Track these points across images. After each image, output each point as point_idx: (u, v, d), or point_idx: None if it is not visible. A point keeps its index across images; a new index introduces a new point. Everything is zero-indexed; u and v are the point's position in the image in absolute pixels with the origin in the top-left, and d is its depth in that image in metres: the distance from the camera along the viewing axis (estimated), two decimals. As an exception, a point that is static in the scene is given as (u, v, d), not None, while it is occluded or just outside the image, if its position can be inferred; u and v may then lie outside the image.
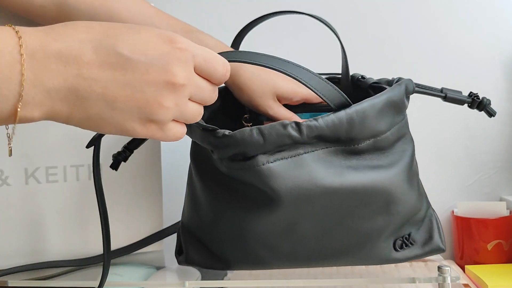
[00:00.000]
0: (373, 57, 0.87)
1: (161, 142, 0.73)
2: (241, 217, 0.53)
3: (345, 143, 0.53)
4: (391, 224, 0.55)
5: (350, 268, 0.75)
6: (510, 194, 0.87)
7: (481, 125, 0.87)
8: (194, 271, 0.69)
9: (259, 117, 0.70)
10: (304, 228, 0.53)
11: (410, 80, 0.58)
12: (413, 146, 0.58)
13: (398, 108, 0.55)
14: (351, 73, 0.69)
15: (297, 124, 0.50)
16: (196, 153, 0.59)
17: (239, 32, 0.69)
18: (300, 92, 0.67)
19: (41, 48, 0.33)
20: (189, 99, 0.39)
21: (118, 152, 0.61)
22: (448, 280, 0.54)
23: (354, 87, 0.68)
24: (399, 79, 0.60)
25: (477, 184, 0.87)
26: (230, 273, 0.79)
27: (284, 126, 0.49)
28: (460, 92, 0.62)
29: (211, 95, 0.41)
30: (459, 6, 0.87)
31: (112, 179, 0.67)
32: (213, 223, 0.57)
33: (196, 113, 0.40)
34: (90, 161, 0.67)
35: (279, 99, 0.66)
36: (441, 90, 0.61)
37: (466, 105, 0.61)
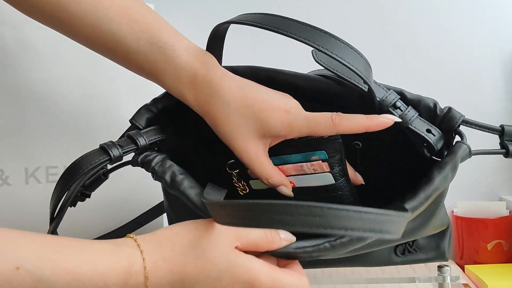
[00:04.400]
0: (373, 57, 0.87)
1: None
2: None
3: None
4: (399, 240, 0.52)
5: (350, 268, 0.75)
6: (510, 194, 0.87)
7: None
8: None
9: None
10: None
11: (466, 148, 0.49)
12: (447, 184, 0.49)
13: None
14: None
15: None
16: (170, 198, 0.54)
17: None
18: (300, 126, 0.48)
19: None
20: None
21: (75, 195, 0.52)
22: (448, 280, 0.55)
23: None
24: (448, 110, 0.50)
25: (476, 184, 0.87)
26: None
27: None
28: None
29: None
30: (459, 5, 0.87)
31: (112, 178, 0.67)
32: None
33: None
34: (90, 161, 0.67)
35: (272, 138, 0.49)
36: (502, 145, 0.51)
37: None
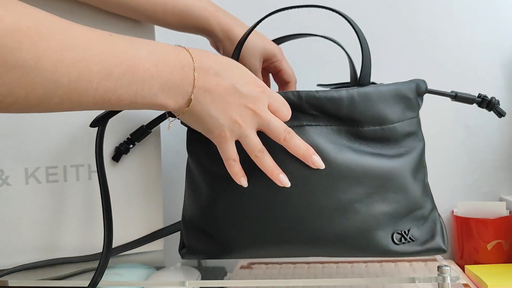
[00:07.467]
0: (373, 57, 0.87)
1: (161, 142, 0.73)
2: (239, 192, 0.56)
3: (348, 123, 0.56)
4: (389, 213, 0.55)
5: (350, 268, 0.75)
6: (510, 194, 0.87)
7: (481, 124, 0.87)
8: (194, 271, 0.69)
9: None
10: (300, 201, 0.55)
11: (423, 80, 0.60)
12: (423, 145, 0.59)
13: (408, 102, 0.58)
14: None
15: (297, 91, 0.55)
16: (192, 139, 0.61)
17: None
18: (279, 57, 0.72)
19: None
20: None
21: (121, 143, 0.68)
22: (448, 280, 0.55)
23: None
24: None
25: (476, 184, 0.87)
26: (230, 273, 0.79)
27: (285, 93, 0.55)
28: (470, 95, 0.63)
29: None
30: (459, 5, 0.87)
31: (112, 179, 0.67)
32: (212, 203, 0.59)
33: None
34: (90, 161, 0.68)
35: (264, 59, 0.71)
36: (452, 92, 0.63)
37: (475, 104, 0.63)
